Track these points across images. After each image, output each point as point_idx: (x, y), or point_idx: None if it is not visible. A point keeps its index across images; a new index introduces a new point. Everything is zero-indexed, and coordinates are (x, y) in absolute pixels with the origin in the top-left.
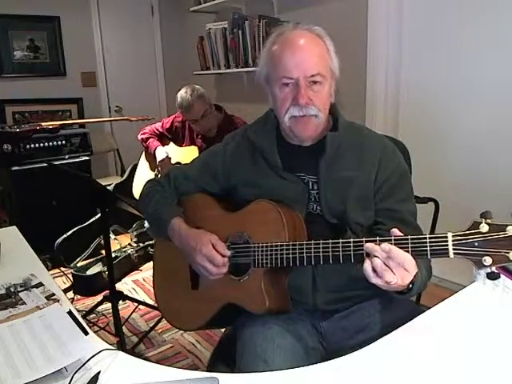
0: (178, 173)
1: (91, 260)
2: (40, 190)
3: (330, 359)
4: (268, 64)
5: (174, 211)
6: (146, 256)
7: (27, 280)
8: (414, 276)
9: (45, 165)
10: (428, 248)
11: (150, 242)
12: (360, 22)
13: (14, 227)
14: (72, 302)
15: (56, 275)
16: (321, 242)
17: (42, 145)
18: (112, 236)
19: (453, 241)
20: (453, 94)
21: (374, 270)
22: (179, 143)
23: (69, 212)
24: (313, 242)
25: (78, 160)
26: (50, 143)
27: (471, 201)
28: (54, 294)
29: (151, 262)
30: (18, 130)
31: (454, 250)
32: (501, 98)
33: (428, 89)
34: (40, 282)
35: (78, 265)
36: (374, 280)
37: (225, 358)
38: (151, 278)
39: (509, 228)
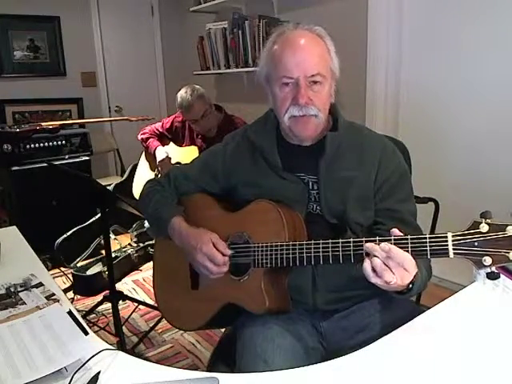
0: (178, 173)
1: (91, 260)
2: (40, 189)
3: (330, 359)
4: (268, 64)
5: (175, 210)
6: (146, 256)
7: (27, 280)
8: (414, 276)
9: (45, 165)
10: (428, 248)
11: (150, 242)
12: (360, 22)
13: (14, 227)
14: (72, 302)
15: (56, 275)
16: (321, 242)
17: (42, 145)
18: (112, 236)
19: (453, 241)
20: (453, 94)
21: (374, 270)
22: (179, 143)
23: (69, 212)
24: (313, 242)
25: (78, 160)
26: (50, 143)
27: (471, 201)
28: (54, 294)
29: (151, 262)
30: (18, 130)
31: (453, 249)
32: (501, 97)
33: (428, 89)
34: (40, 282)
35: (78, 265)
36: (374, 280)
37: (225, 358)
38: (151, 278)
39: (509, 228)
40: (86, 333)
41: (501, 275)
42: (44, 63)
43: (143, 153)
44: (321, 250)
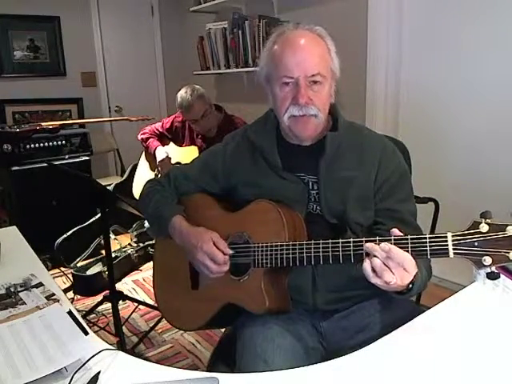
0: (178, 173)
1: (91, 260)
2: (40, 189)
3: (330, 359)
4: (268, 63)
5: (175, 209)
6: (146, 256)
7: (27, 280)
8: (414, 276)
9: (45, 165)
10: (428, 248)
11: (150, 242)
12: (360, 22)
13: (14, 227)
14: (72, 302)
15: (56, 275)
16: (321, 242)
17: (42, 145)
18: (112, 236)
19: (453, 241)
20: (453, 94)
21: (374, 270)
22: (179, 143)
23: (69, 212)
24: (313, 242)
25: (78, 160)
26: (50, 143)
27: (471, 201)
28: (54, 294)
29: (151, 262)
30: (18, 130)
31: (453, 249)
32: (501, 97)
33: (428, 89)
34: (40, 282)
35: (78, 265)
36: (374, 280)
37: (225, 358)
38: (151, 278)
39: (509, 228)
40: (86, 333)
41: (501, 275)
42: (44, 63)
43: (143, 153)
44: (321, 250)
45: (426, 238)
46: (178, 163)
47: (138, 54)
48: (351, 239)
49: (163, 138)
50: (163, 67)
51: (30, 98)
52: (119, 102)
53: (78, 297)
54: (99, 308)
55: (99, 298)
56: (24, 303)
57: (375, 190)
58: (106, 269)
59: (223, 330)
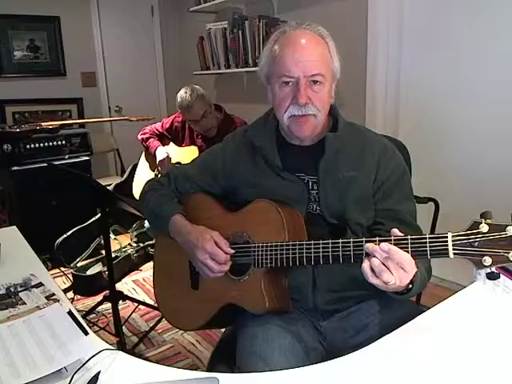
0: (178, 173)
1: (91, 260)
2: (40, 189)
3: (330, 359)
4: (269, 62)
5: (175, 208)
6: (146, 256)
7: (27, 280)
8: (413, 276)
9: (45, 165)
10: (428, 248)
11: (150, 242)
12: (360, 22)
13: (14, 227)
14: (72, 302)
15: (56, 275)
16: (321, 242)
17: (42, 145)
18: (112, 236)
19: (453, 241)
20: (453, 94)
21: (373, 270)
22: (179, 143)
23: (69, 212)
24: (313, 242)
25: (77, 160)
26: (50, 143)
27: (471, 201)
28: (54, 294)
29: (151, 262)
30: (18, 130)
31: (453, 250)
32: (501, 97)
33: (428, 89)
34: (40, 282)
35: (78, 265)
36: (372, 280)
37: (225, 358)
38: (151, 278)
39: (509, 228)
40: (86, 333)
41: (501, 275)
42: (44, 63)
43: (143, 153)
44: (321, 250)
45: (425, 238)
46: (178, 163)
47: (138, 54)
48: (351, 239)
49: (163, 138)
50: (163, 67)
51: (30, 98)
52: (119, 102)
53: (78, 297)
54: (99, 308)
55: (99, 298)
56: (24, 303)
57: (375, 190)
58: (105, 269)
59: (223, 330)
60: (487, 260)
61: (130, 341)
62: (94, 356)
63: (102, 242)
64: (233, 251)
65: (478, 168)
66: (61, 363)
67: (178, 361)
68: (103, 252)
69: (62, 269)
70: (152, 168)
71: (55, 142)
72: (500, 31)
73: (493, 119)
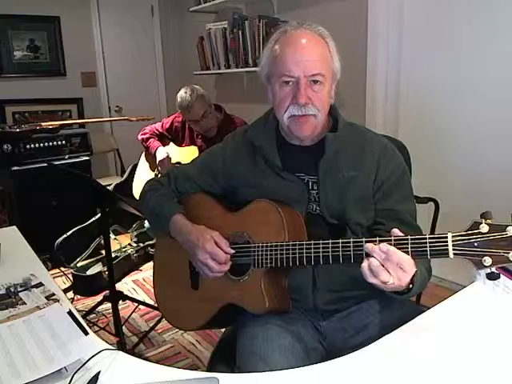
0: (179, 172)
1: (91, 260)
2: (40, 189)
3: (330, 359)
4: (270, 62)
5: (176, 207)
6: (146, 256)
7: (27, 280)
8: (413, 276)
9: (45, 165)
10: (428, 248)
11: (150, 242)
12: (360, 22)
13: (14, 227)
14: (72, 302)
15: (56, 275)
16: (321, 242)
17: (42, 145)
18: (112, 236)
19: (453, 241)
20: (453, 94)
21: (371, 270)
22: (179, 143)
23: (69, 212)
24: (313, 242)
25: (77, 160)
26: (50, 143)
27: (471, 201)
28: (54, 294)
29: (151, 262)
30: (18, 130)
31: (453, 250)
32: (501, 97)
33: (428, 89)
34: (40, 282)
35: (78, 265)
36: (371, 279)
37: (225, 358)
38: (151, 278)
39: (509, 228)
40: (86, 333)
41: (501, 275)
42: (44, 63)
43: (143, 153)
44: (321, 250)
45: (425, 238)
46: (178, 163)
47: (138, 54)
48: (351, 239)
49: (163, 138)
50: (163, 67)
51: (30, 98)
52: (119, 102)
53: (78, 297)
54: (99, 308)
55: (99, 298)
56: (24, 303)
57: (375, 190)
58: (105, 269)
59: (223, 330)
60: (487, 260)
61: (130, 341)
62: (93, 356)
63: (102, 242)
64: (233, 251)
65: (477, 168)
66: (61, 363)
67: (178, 361)
68: (103, 252)
69: (62, 269)
70: (152, 168)
71: (55, 142)
72: (500, 31)
73: (493, 119)
